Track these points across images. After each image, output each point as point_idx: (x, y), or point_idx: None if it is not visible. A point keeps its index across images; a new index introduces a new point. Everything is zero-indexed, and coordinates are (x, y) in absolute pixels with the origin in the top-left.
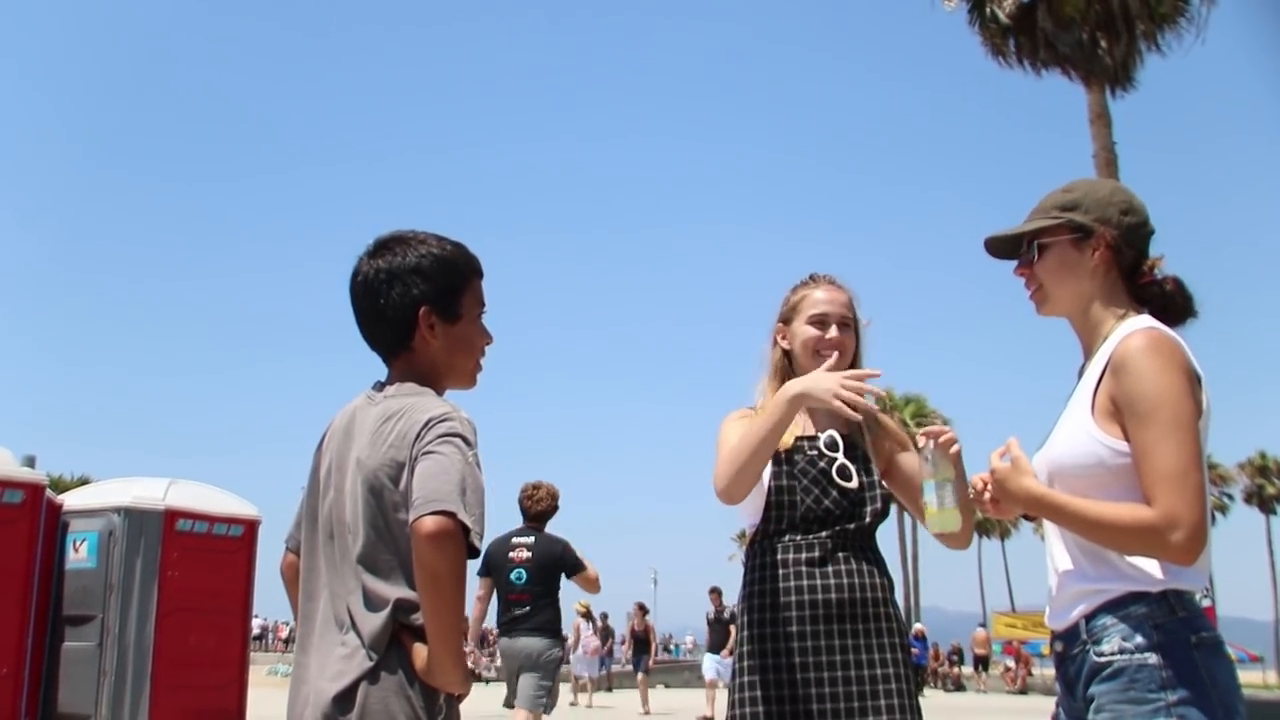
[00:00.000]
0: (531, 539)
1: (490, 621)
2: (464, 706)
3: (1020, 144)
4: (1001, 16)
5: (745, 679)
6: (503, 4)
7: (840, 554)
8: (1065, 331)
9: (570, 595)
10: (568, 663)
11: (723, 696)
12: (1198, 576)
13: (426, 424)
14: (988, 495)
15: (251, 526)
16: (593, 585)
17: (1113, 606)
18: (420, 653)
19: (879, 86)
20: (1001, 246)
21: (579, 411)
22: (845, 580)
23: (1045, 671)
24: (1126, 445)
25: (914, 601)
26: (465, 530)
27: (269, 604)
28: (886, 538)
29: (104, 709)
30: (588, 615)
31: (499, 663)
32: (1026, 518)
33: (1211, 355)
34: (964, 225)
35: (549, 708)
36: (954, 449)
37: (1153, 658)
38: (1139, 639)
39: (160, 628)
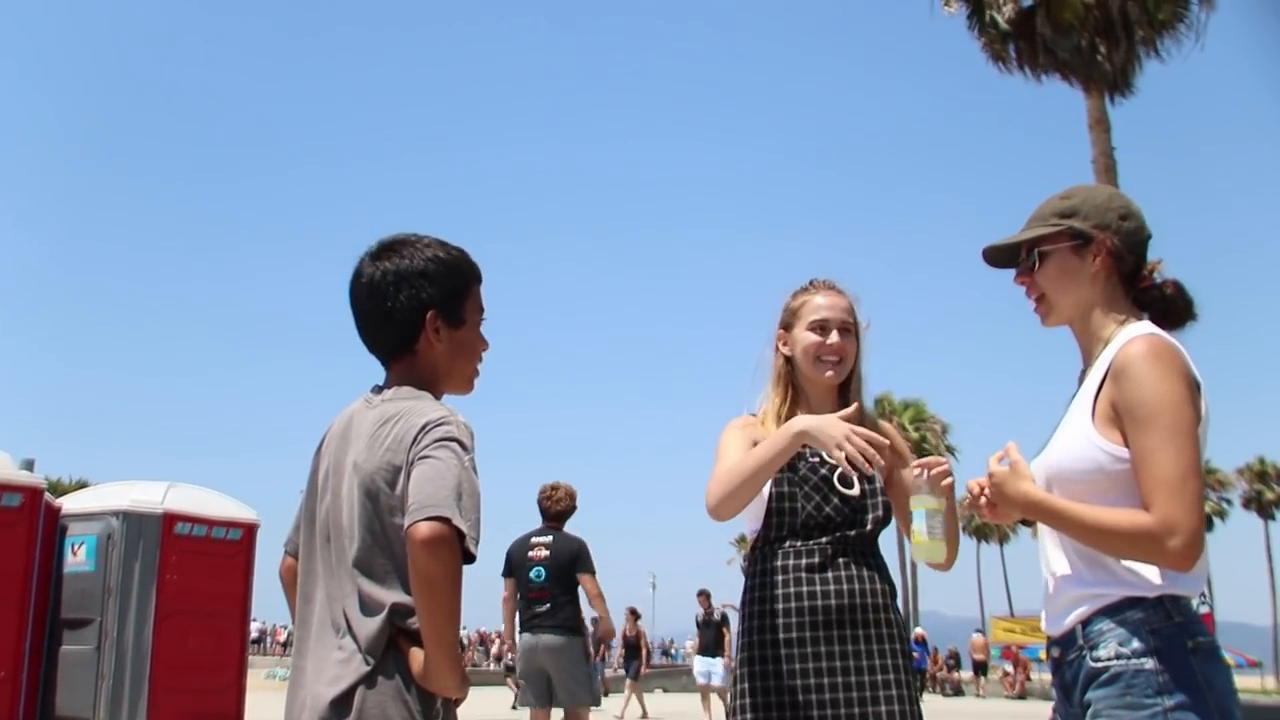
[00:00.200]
0: (550, 538)
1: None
2: (468, 711)
3: (1020, 149)
4: (1001, 22)
5: (746, 684)
6: (503, 5)
7: (841, 560)
8: (1065, 337)
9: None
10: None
11: (718, 702)
12: (1194, 582)
13: (423, 428)
14: (984, 499)
15: (250, 530)
16: (591, 591)
17: (1109, 611)
18: (417, 657)
19: (879, 91)
20: (1000, 255)
21: (578, 414)
22: (846, 586)
23: (1043, 676)
24: (1126, 451)
25: (913, 606)
26: (461, 535)
27: (267, 608)
28: (886, 542)
29: (102, 712)
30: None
31: (509, 661)
32: (1024, 523)
33: (1211, 360)
34: (963, 229)
35: (597, 698)
36: (946, 481)
37: (1149, 663)
38: (1136, 644)
39: (159, 631)
